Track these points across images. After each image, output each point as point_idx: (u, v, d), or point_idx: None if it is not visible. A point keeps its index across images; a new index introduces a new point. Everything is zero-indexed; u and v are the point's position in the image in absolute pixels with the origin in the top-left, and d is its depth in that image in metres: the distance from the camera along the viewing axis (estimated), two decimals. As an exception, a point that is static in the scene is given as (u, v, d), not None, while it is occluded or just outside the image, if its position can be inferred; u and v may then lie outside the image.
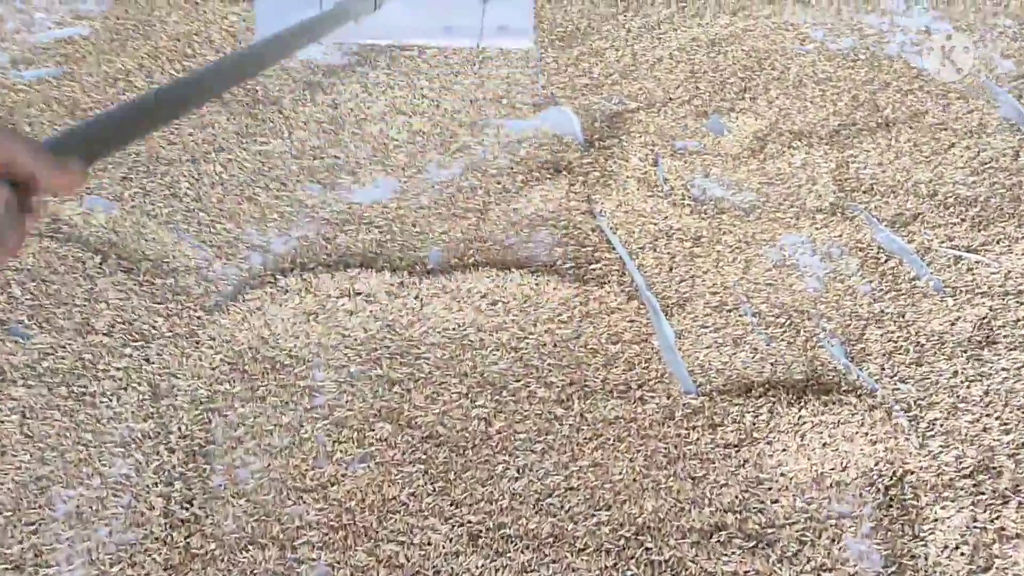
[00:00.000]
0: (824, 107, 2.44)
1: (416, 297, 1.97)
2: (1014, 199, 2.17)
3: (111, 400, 1.79)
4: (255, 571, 1.53)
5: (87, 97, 2.45)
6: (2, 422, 1.73)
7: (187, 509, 1.64)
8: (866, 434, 1.71)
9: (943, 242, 2.07)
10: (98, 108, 2.40)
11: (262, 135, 2.37)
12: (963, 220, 2.12)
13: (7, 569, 1.56)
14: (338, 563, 1.52)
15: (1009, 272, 2.01)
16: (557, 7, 2.80)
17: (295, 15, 2.11)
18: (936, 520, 1.56)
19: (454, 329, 1.93)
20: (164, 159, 2.30)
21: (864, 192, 2.20)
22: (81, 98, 2.45)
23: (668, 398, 1.80)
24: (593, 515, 1.60)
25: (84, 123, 0.91)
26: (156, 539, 1.57)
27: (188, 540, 1.58)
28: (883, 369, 1.85)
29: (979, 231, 2.09)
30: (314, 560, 1.54)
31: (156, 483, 1.66)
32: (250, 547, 1.56)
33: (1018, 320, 1.91)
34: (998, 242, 2.06)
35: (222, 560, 1.54)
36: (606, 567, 1.52)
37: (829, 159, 2.28)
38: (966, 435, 1.71)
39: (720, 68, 2.57)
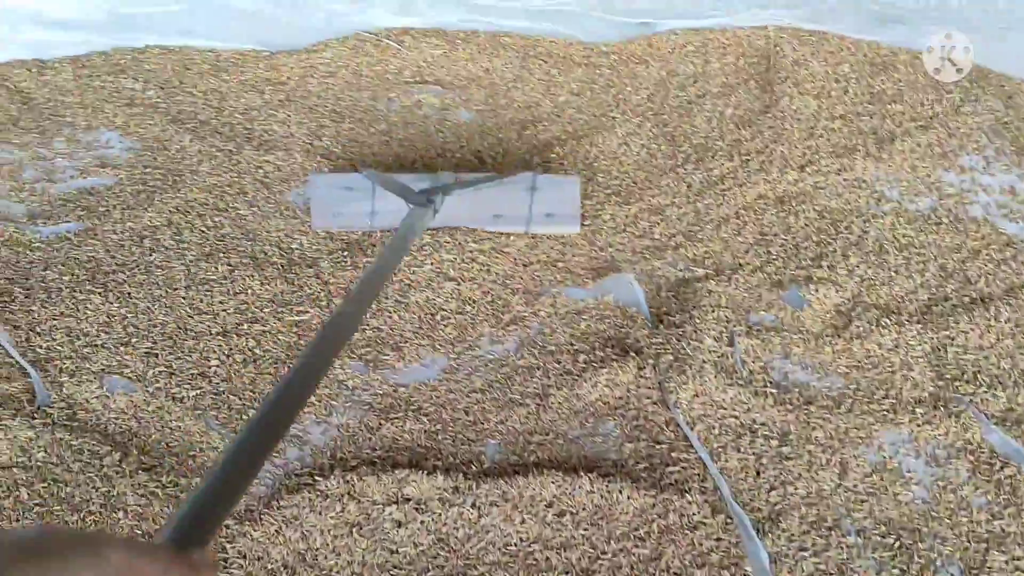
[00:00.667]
0: (910, 278, 2.25)
1: (473, 505, 1.76)
2: None
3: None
4: None
5: (110, 257, 2.27)
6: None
7: None
8: None
9: (1062, 448, 1.84)
10: (122, 270, 2.22)
11: (298, 302, 2.17)
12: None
13: None
14: None
15: None
16: (612, 159, 2.64)
17: (350, 206, 2.36)
18: None
19: (515, 545, 1.69)
20: (192, 331, 2.10)
21: (967, 382, 1.99)
22: (104, 258, 2.27)
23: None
24: None
25: (192, 500, 0.80)
26: None
27: None
28: (1010, 604, 1.60)
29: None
30: None
31: None
32: None
33: None
34: None
35: None
36: None
37: (923, 340, 2.07)
38: None
39: (792, 230, 2.39)
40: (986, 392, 1.99)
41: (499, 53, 3.11)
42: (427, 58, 3.10)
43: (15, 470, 1.82)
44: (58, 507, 1.75)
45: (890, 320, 2.14)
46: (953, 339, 2.10)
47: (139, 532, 1.72)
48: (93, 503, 1.77)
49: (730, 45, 3.15)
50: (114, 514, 1.75)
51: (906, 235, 2.38)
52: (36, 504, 1.76)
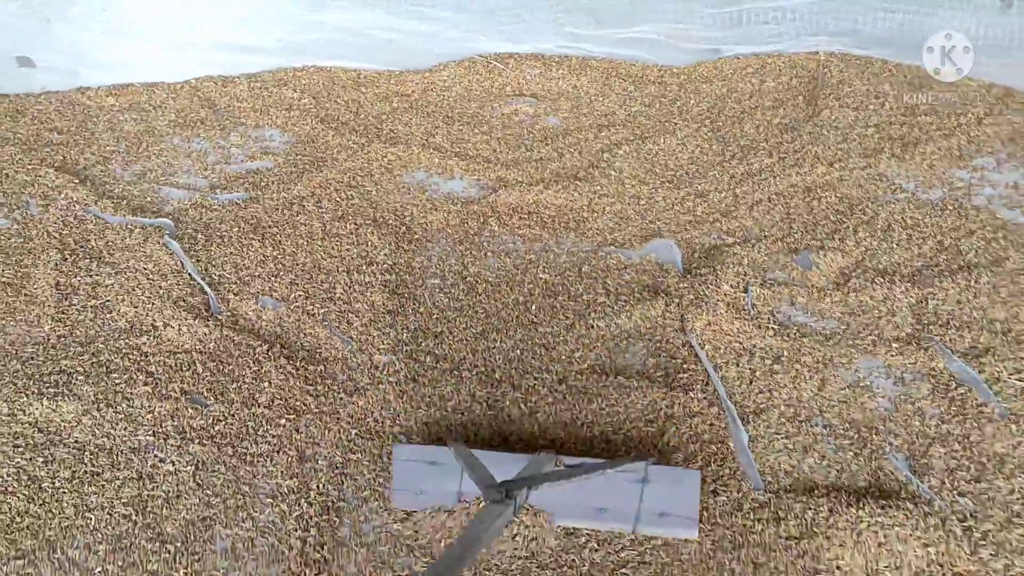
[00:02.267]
0: (909, 249, 2.67)
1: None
2: (1086, 339, 2.33)
3: (266, 460, 2.16)
4: None
5: (267, 216, 2.95)
6: (179, 471, 2.13)
7: (319, 552, 1.97)
8: (920, 538, 1.89)
9: (1012, 374, 2.25)
10: (275, 226, 2.89)
11: (405, 252, 2.79)
12: (1033, 355, 2.29)
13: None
14: None
15: (1073, 403, 2.16)
16: (670, 155, 3.17)
17: (434, 484, 2.05)
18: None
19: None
20: (324, 269, 2.74)
21: (941, 326, 2.41)
22: (263, 217, 2.95)
23: (738, 492, 2.03)
24: None
25: None
26: (291, 573, 1.90)
27: (317, 578, 1.89)
28: (943, 483, 2.03)
29: (1047, 365, 2.26)
30: None
31: (296, 529, 2.01)
32: None
33: (1077, 447, 2.06)
34: (1064, 376, 2.22)
35: None
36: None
37: (910, 295, 2.50)
38: (1016, 547, 1.87)
39: (814, 211, 2.86)
40: (955, 333, 2.41)
41: (586, 72, 3.71)
42: (526, 77, 3.73)
43: (194, 353, 2.48)
44: (223, 377, 2.40)
45: (883, 279, 2.58)
46: (935, 295, 2.52)
47: (278, 397, 2.35)
48: (247, 377, 2.41)
49: (784, 68, 3.65)
50: (261, 384, 2.38)
51: (913, 217, 2.81)
52: (207, 375, 2.41)
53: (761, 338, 2.40)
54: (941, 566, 1.85)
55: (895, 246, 2.68)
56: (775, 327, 2.43)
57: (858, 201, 2.88)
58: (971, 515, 1.94)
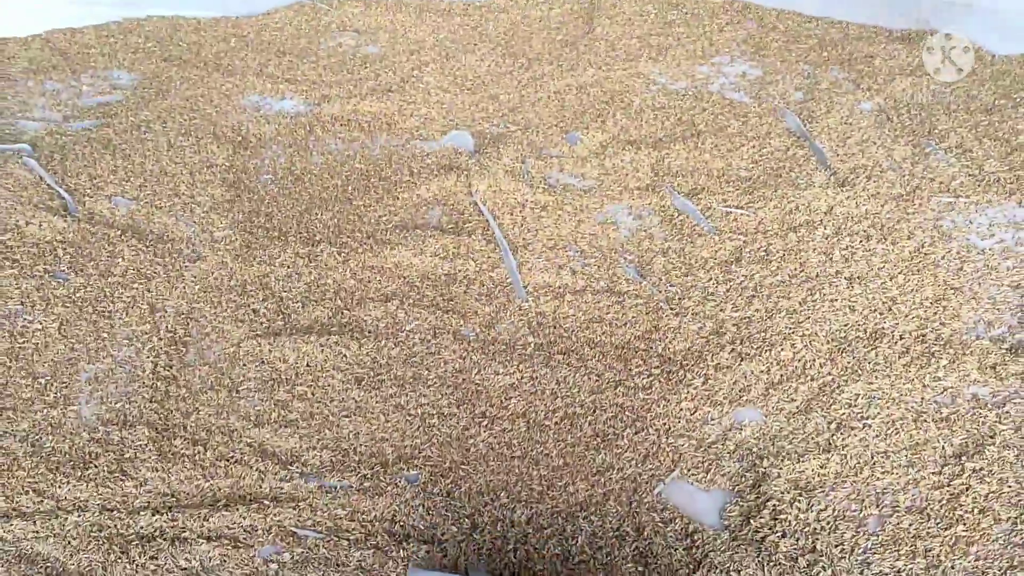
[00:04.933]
0: (654, 125, 3.24)
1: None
2: (775, 176, 2.94)
3: (122, 314, 2.56)
4: (210, 406, 2.28)
5: (117, 137, 3.32)
6: (46, 328, 2.51)
7: (168, 371, 2.39)
8: (640, 307, 2.44)
9: (721, 203, 2.83)
10: (125, 144, 3.26)
11: (244, 159, 3.21)
12: (737, 190, 2.88)
13: (47, 406, 2.32)
14: (266, 400, 2.26)
15: (760, 220, 2.76)
16: (468, 70, 3.67)
17: None
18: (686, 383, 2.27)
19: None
20: (169, 172, 3.13)
21: (672, 176, 2.98)
22: (113, 138, 3.31)
23: (507, 300, 2.55)
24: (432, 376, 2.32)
25: None
26: (146, 386, 2.32)
27: (167, 389, 2.33)
28: (660, 279, 2.59)
29: (746, 196, 2.85)
30: (252, 398, 2.28)
31: (148, 357, 2.42)
32: (209, 391, 2.31)
33: (759, 247, 2.65)
34: (757, 202, 2.82)
35: (189, 400, 2.29)
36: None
37: (651, 157, 3.06)
38: (709, 313, 2.44)
39: (583, 103, 3.40)
40: (682, 180, 2.98)
41: (401, 9, 4.18)
42: (349, 15, 4.17)
43: (55, 243, 2.84)
44: (81, 258, 2.78)
45: (632, 147, 3.14)
46: (670, 155, 3.10)
47: (131, 268, 2.74)
48: (103, 256, 2.79)
49: (567, -4, 4.21)
50: (116, 260, 2.77)
51: (660, 102, 3.38)
52: (67, 258, 2.78)
53: (532, 195, 2.92)
54: (656, 328, 2.40)
55: (644, 124, 3.24)
56: (545, 187, 2.95)
57: (619, 94, 3.43)
58: (678, 297, 2.49)
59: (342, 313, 2.52)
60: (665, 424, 2.18)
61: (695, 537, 1.95)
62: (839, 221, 2.70)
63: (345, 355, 2.38)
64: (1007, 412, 2.14)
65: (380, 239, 2.75)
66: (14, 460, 2.14)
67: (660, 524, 1.98)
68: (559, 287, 2.56)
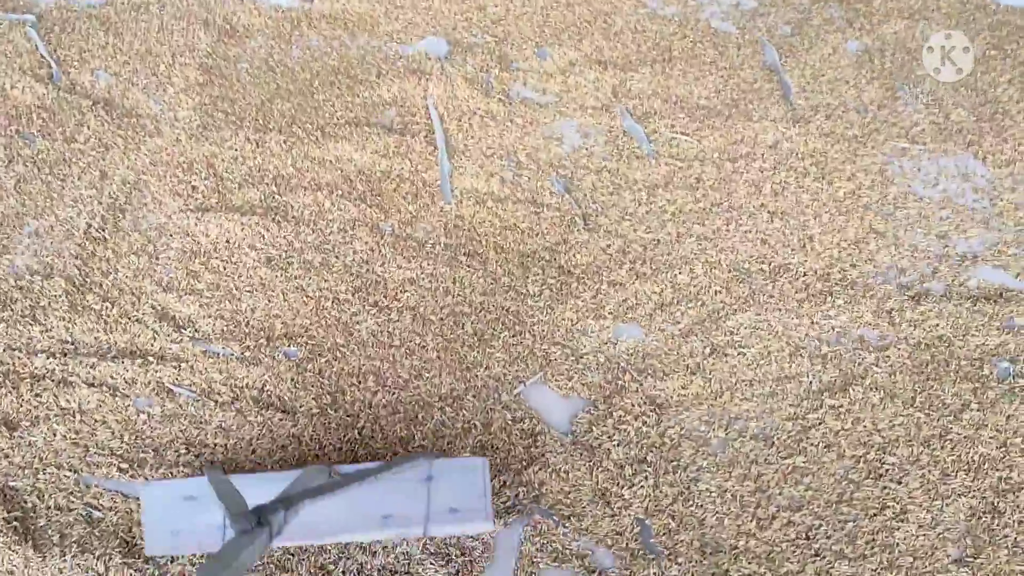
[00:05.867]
0: (629, 48, 3.21)
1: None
2: (732, 107, 2.89)
3: (75, 179, 2.71)
4: (129, 269, 2.42)
5: (116, 16, 3.44)
6: (3, 184, 2.67)
7: (100, 233, 2.53)
8: (556, 220, 2.47)
9: (668, 128, 2.81)
10: (120, 24, 3.39)
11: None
12: (689, 117, 2.85)
13: (1, 255, 2.48)
14: (180, 269, 2.38)
15: (702, 148, 2.73)
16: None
17: (193, 521, 1.79)
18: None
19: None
20: (154, 53, 3.25)
21: (630, 98, 2.96)
22: (112, 16, 3.44)
23: (431, 201, 2.60)
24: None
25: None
26: (76, 244, 2.47)
27: (95, 249, 2.46)
28: (585, 196, 2.61)
29: (695, 123, 2.82)
30: (169, 266, 2.41)
31: (85, 219, 2.56)
32: (132, 255, 2.45)
33: (691, 174, 2.63)
34: (704, 130, 2.79)
35: (112, 261, 2.43)
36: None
37: (615, 78, 3.04)
38: (621, 232, 2.46)
39: (565, 20, 3.38)
40: (638, 103, 2.95)
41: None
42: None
43: (32, 107, 2.99)
44: (53, 125, 2.93)
45: (599, 66, 3.12)
46: (634, 78, 3.07)
47: (93, 137, 2.88)
48: (70, 124, 2.93)
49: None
50: (81, 128, 2.91)
51: (644, 25, 3.31)
52: (39, 122, 2.94)
53: (486, 104, 2.94)
54: (565, 242, 2.43)
55: (619, 45, 3.21)
56: (502, 98, 2.97)
57: (604, 14, 3.39)
58: (594, 213, 2.51)
59: (273, 197, 2.61)
60: (543, 331, 2.22)
61: (539, 438, 2.01)
62: (781, 156, 2.66)
63: (264, 235, 2.48)
64: (887, 356, 2.12)
65: (328, 133, 2.83)
66: (-58, 297, 2.32)
67: (509, 421, 2.04)
68: (484, 193, 2.60)
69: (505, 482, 1.92)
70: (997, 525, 1.81)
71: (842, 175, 2.58)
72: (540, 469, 1.95)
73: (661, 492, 1.89)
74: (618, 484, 1.91)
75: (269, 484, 1.69)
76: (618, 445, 1.97)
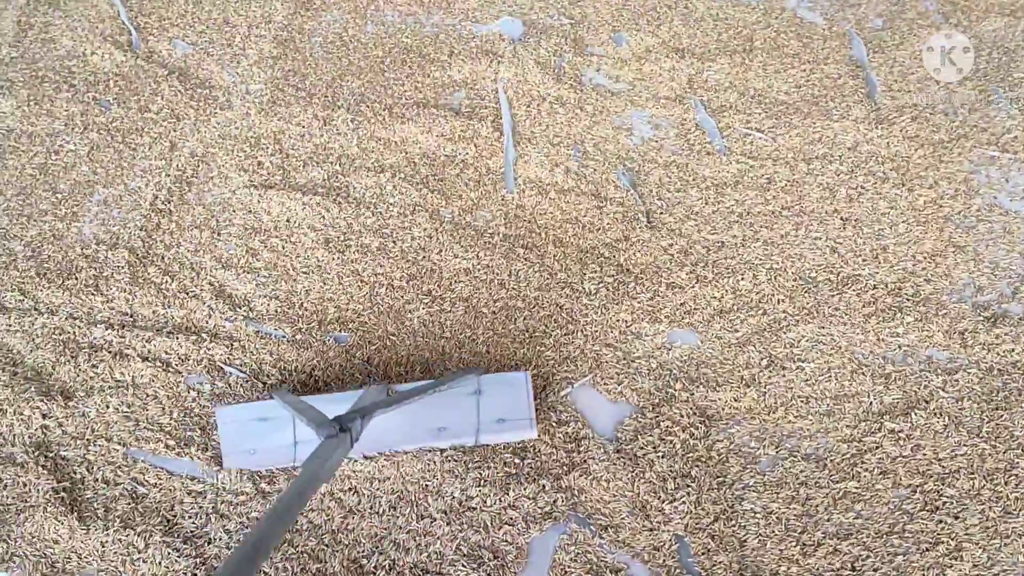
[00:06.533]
0: (709, 36, 3.10)
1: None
2: (812, 104, 2.77)
3: (145, 149, 2.75)
4: (192, 243, 2.44)
5: None
6: (78, 150, 2.73)
7: (166, 205, 2.57)
8: (618, 215, 2.41)
9: (742, 124, 2.72)
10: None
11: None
12: (766, 113, 2.74)
13: (56, 219, 2.54)
14: (240, 246, 2.39)
15: (777, 147, 2.63)
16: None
17: (266, 440, 1.97)
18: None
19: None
20: (231, 23, 3.27)
21: (705, 90, 2.87)
22: None
23: (493, 189, 2.57)
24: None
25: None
26: (142, 215, 2.51)
27: (159, 221, 2.49)
28: (651, 191, 2.54)
29: (772, 120, 2.72)
30: (230, 242, 2.43)
31: (152, 190, 2.60)
32: (195, 229, 2.47)
33: (762, 174, 2.54)
34: (781, 128, 2.68)
35: (176, 234, 2.46)
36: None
37: (692, 67, 2.95)
38: (685, 232, 2.39)
39: (646, 4, 3.28)
40: (713, 95, 2.86)
41: None
42: None
43: (111, 74, 3.05)
44: (127, 92, 2.98)
45: (676, 54, 3.03)
46: (712, 68, 2.97)
47: (165, 108, 2.92)
48: (145, 92, 2.97)
49: None
50: (155, 97, 2.95)
51: (727, 13, 3.21)
52: (116, 89, 2.99)
53: (557, 90, 2.88)
54: (626, 239, 2.37)
55: (699, 33, 3.10)
56: (573, 84, 2.91)
57: (686, 1, 3.29)
58: (659, 212, 2.44)
59: (336, 177, 2.61)
60: (596, 331, 2.18)
61: (582, 443, 1.97)
62: (860, 159, 2.55)
63: (324, 216, 2.49)
64: (955, 380, 2.02)
65: (396, 113, 2.81)
66: (13, 260, 2.39)
67: (553, 424, 2.01)
68: (547, 184, 2.55)
69: (544, 487, 1.89)
70: (1059, 572, 1.71)
71: (924, 182, 2.45)
72: (581, 475, 1.91)
73: (703, 509, 1.84)
74: (659, 498, 1.86)
75: (332, 404, 1.88)
76: (663, 457, 1.92)
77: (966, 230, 2.35)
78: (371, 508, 1.89)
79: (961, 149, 2.55)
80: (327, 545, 1.84)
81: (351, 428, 1.61)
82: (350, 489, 1.93)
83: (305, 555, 1.82)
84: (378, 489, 1.92)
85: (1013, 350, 2.07)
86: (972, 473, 1.87)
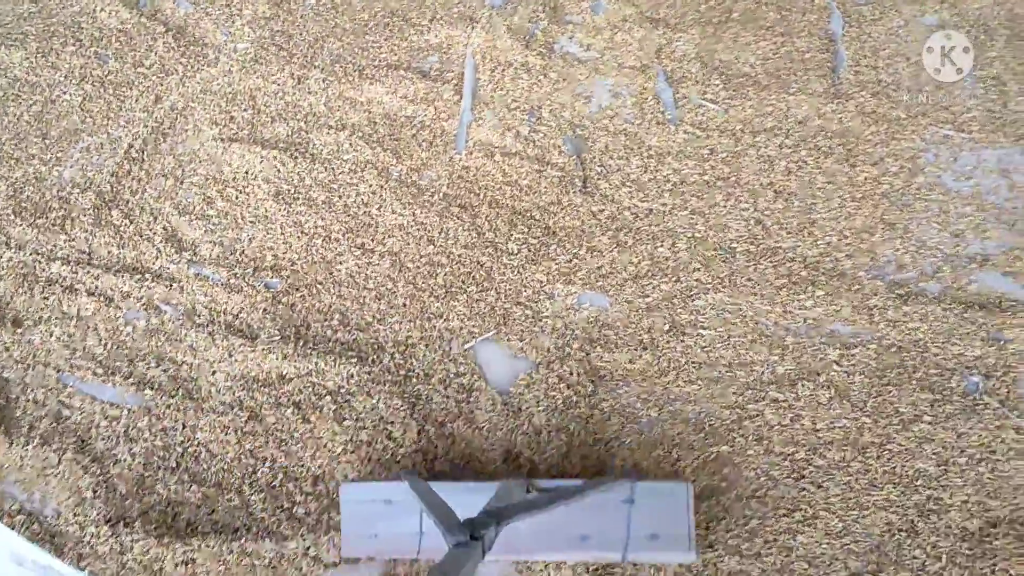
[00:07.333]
0: (687, 6, 3.10)
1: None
2: (773, 77, 2.76)
3: (133, 101, 2.92)
4: (156, 190, 2.60)
5: None
6: (71, 98, 2.92)
7: (140, 154, 2.73)
8: (555, 180, 2.47)
9: (698, 94, 2.73)
10: None
11: None
12: (725, 86, 2.75)
13: (42, 163, 2.73)
14: (198, 195, 2.54)
15: (728, 118, 2.64)
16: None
17: (390, 525, 1.80)
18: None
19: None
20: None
21: (673, 60, 2.88)
22: None
23: (443, 150, 2.65)
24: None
25: None
26: (115, 162, 2.67)
27: (130, 168, 2.66)
28: (594, 158, 2.58)
29: (728, 91, 2.73)
30: (190, 191, 2.58)
31: (129, 139, 2.77)
32: (161, 177, 2.63)
33: (706, 145, 2.55)
34: (735, 99, 2.68)
35: (143, 181, 2.62)
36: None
37: (663, 37, 2.96)
38: (618, 198, 2.43)
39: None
40: (677, 65, 2.86)
41: None
42: None
43: (114, 31, 3.23)
44: (125, 48, 3.15)
45: (650, 24, 3.04)
46: (682, 38, 2.97)
47: (156, 64, 3.08)
48: (141, 48, 3.15)
49: None
50: (149, 53, 3.12)
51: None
52: (116, 45, 3.17)
53: (524, 56, 2.94)
54: (559, 203, 2.43)
55: (678, 3, 3.10)
56: (542, 51, 2.96)
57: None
58: (596, 177, 2.49)
59: (299, 133, 2.74)
60: (509, 289, 2.25)
61: (474, 393, 2.06)
62: (808, 133, 2.54)
63: (280, 170, 2.61)
64: (852, 355, 2.03)
65: (367, 74, 2.91)
66: (-8, 199, 2.59)
67: (451, 374, 2.10)
68: (496, 147, 2.62)
69: (422, 429, 1.98)
70: (909, 545, 1.73)
71: (869, 159, 2.43)
72: (465, 424, 1.99)
73: (569, 462, 1.90)
74: (531, 448, 1.93)
75: (466, 494, 1.69)
76: (543, 411, 1.99)
77: (901, 207, 2.33)
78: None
79: (915, 127, 2.52)
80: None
81: (483, 536, 1.39)
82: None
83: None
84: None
85: (919, 328, 2.06)
86: (846, 445, 1.89)
